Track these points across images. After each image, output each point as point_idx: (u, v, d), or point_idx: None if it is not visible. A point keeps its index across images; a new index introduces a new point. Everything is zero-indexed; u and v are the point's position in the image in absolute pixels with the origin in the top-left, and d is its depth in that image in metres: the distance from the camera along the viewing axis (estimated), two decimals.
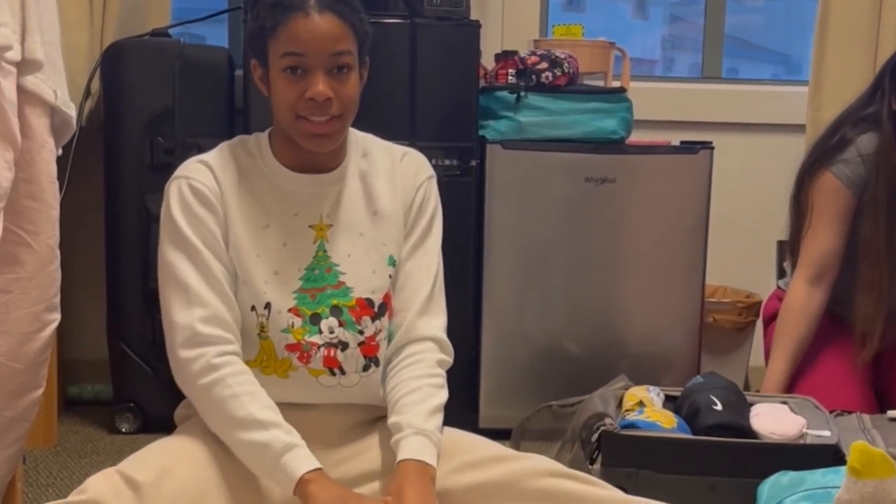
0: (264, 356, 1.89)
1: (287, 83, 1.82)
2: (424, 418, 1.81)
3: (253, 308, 1.87)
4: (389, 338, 1.95)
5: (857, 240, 2.77)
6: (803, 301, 2.81)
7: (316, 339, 1.88)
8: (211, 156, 1.91)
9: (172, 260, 1.85)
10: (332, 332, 1.88)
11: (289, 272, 1.88)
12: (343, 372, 1.90)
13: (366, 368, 1.91)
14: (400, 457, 1.77)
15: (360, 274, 1.91)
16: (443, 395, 1.88)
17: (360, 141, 1.99)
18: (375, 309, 1.92)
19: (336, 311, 1.89)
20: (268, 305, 1.87)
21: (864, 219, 2.75)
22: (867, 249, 2.75)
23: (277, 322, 1.87)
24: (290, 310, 1.88)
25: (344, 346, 1.89)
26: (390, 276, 1.94)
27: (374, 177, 1.95)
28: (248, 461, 1.78)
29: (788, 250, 2.94)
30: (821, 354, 2.82)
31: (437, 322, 1.96)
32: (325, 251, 1.90)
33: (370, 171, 1.96)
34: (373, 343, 1.92)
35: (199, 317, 1.80)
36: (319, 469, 1.74)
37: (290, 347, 1.88)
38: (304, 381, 1.89)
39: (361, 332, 1.90)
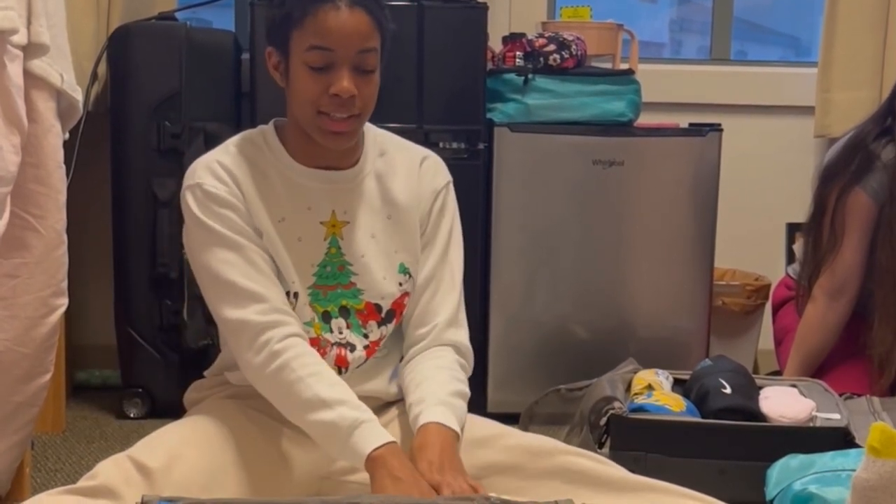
0: None
1: (310, 77, 1.78)
2: (447, 395, 1.79)
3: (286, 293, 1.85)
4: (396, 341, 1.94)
5: (873, 267, 2.77)
6: (821, 314, 2.81)
7: (329, 336, 1.87)
8: (219, 154, 1.86)
9: (210, 261, 1.80)
10: (340, 333, 1.87)
11: (303, 267, 1.86)
12: (347, 371, 1.88)
13: (359, 367, 1.91)
14: (420, 422, 1.73)
15: (371, 277, 1.89)
16: (466, 388, 1.85)
17: (378, 139, 1.96)
18: (383, 315, 1.90)
19: (344, 311, 1.88)
20: (296, 295, 1.85)
21: (879, 246, 2.75)
22: (883, 277, 2.74)
23: (302, 314, 1.85)
24: (307, 304, 1.86)
25: (352, 347, 1.88)
26: (401, 284, 1.91)
27: (391, 179, 1.93)
28: (322, 443, 1.76)
29: (805, 272, 2.89)
30: (838, 368, 2.80)
31: (463, 332, 1.95)
32: (338, 248, 1.88)
33: (387, 173, 1.93)
34: (375, 347, 1.91)
35: (252, 311, 1.78)
36: (389, 444, 1.70)
37: (311, 342, 1.85)
38: None
39: (366, 336, 1.89)
